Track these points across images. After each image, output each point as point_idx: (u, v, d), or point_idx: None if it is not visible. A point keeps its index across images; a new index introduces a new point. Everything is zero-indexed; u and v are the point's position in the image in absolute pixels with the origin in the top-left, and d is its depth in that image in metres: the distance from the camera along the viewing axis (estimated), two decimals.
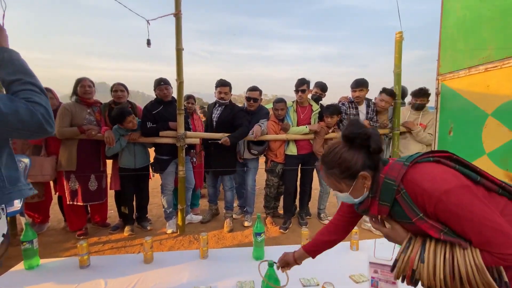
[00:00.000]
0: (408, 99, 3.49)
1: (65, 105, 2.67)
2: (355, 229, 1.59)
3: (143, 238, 1.80)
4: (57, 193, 2.91)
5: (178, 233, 2.89)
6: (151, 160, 3.03)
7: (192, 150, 3.22)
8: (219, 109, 2.99)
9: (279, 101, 3.03)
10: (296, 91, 2.97)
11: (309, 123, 3.01)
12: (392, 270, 0.94)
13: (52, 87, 2.88)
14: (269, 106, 3.68)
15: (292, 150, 3.02)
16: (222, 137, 2.78)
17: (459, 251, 0.80)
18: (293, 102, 3.10)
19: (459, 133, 2.33)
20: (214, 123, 2.98)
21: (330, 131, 2.98)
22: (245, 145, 3.05)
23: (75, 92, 2.73)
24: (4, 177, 0.92)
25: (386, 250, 1.05)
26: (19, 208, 2.42)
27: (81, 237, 2.71)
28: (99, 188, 2.81)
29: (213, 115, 3.01)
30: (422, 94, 3.00)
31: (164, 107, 2.87)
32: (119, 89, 2.85)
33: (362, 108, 3.03)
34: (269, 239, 2.77)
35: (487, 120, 2.01)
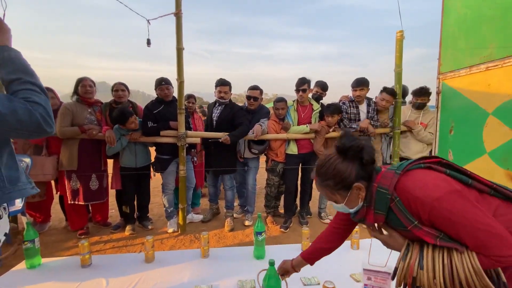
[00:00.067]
0: (409, 98, 3.49)
1: (66, 104, 2.68)
2: (356, 228, 1.59)
3: (144, 237, 1.81)
4: (58, 193, 2.92)
5: (179, 232, 2.90)
6: (152, 159, 3.04)
7: (192, 150, 3.22)
8: (219, 108, 2.99)
9: (280, 100, 3.03)
10: (297, 90, 2.97)
11: (310, 123, 3.01)
12: (393, 279, 0.94)
13: (52, 86, 2.89)
14: (270, 105, 3.68)
15: (293, 149, 3.02)
16: (223, 136, 2.78)
17: (457, 256, 0.81)
18: (293, 101, 3.10)
19: (460, 132, 2.32)
20: (214, 123, 2.98)
21: (331, 130, 2.98)
22: (245, 145, 3.06)
23: (76, 91, 2.74)
24: (4, 176, 0.92)
25: (385, 250, 1.05)
26: (20, 207, 2.43)
27: (83, 237, 2.72)
28: (100, 188, 2.82)
29: (213, 114, 3.01)
30: (423, 93, 2.99)
31: (165, 106, 2.87)
32: (120, 88, 2.85)
33: (363, 107, 3.02)
34: (269, 238, 2.77)
35: (488, 119, 2.00)
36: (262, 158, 3.34)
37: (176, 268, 1.71)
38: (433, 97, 2.91)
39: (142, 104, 3.16)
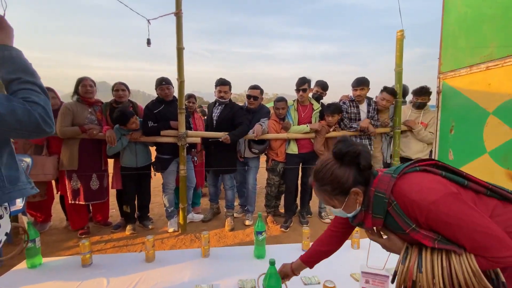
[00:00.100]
0: (409, 97, 3.49)
1: (67, 104, 2.68)
2: (356, 227, 1.59)
3: (144, 237, 1.81)
4: (59, 192, 2.92)
5: (180, 232, 2.90)
6: (153, 159, 3.04)
7: (193, 149, 3.22)
8: (219, 108, 3.00)
9: (280, 100, 3.03)
10: (297, 90, 2.97)
11: (310, 122, 3.01)
12: (392, 282, 0.94)
13: (53, 86, 2.90)
14: (270, 105, 3.68)
15: (293, 149, 3.02)
16: (223, 135, 2.78)
17: (455, 258, 0.81)
18: (294, 101, 3.10)
19: (460, 131, 2.32)
20: (214, 122, 2.98)
21: (331, 130, 2.98)
22: (246, 144, 3.06)
23: (76, 91, 2.74)
24: (4, 176, 0.91)
25: (384, 251, 1.05)
26: (21, 207, 2.44)
27: (83, 236, 2.72)
28: (100, 187, 2.82)
29: (213, 114, 3.01)
30: (423, 92, 2.99)
31: (166, 106, 2.87)
32: (120, 88, 2.85)
33: (363, 107, 3.02)
34: (270, 238, 2.78)
35: (488, 118, 2.00)
36: (263, 158, 3.35)
37: (176, 267, 1.71)
38: (433, 97, 2.91)
39: (142, 104, 3.16)
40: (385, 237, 1.01)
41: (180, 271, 1.67)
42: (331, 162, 0.93)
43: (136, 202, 3.02)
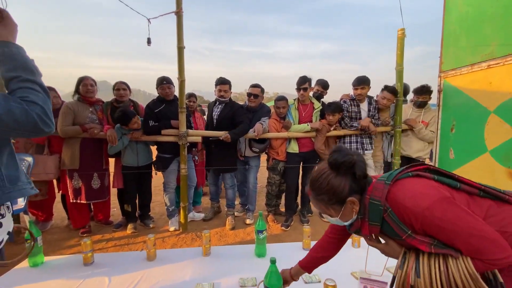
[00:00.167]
0: (410, 96, 3.48)
1: (68, 104, 2.68)
2: None
3: (146, 236, 1.82)
4: (60, 191, 2.93)
5: (181, 230, 2.91)
6: (154, 158, 3.04)
7: (194, 149, 3.23)
8: (219, 107, 3.00)
9: (281, 99, 3.03)
10: (298, 89, 2.97)
11: (311, 121, 3.01)
12: (391, 287, 0.95)
13: (53, 86, 2.90)
14: (271, 104, 3.68)
15: (294, 148, 3.02)
16: (224, 134, 2.79)
17: (452, 262, 0.81)
18: (294, 100, 3.10)
19: (461, 130, 2.32)
20: (215, 121, 2.98)
21: (332, 129, 2.98)
22: (246, 143, 3.06)
23: (77, 91, 2.75)
24: (4, 176, 0.91)
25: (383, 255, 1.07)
26: (22, 206, 2.44)
27: (85, 235, 2.74)
28: (102, 186, 2.83)
29: (214, 113, 3.01)
30: (424, 91, 2.99)
31: (166, 105, 2.87)
32: (121, 87, 2.85)
33: (364, 106, 3.02)
34: (271, 237, 2.78)
35: (489, 117, 2.00)
36: (263, 157, 3.35)
37: (178, 266, 1.71)
38: (434, 95, 2.91)
39: (143, 103, 3.17)
40: (383, 242, 1.02)
41: (181, 269, 1.67)
42: (327, 172, 0.94)
43: (137, 201, 3.03)
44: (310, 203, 3.40)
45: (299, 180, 3.22)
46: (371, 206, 0.91)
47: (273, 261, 1.29)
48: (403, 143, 3.11)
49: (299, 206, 3.41)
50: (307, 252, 1.34)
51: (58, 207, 3.25)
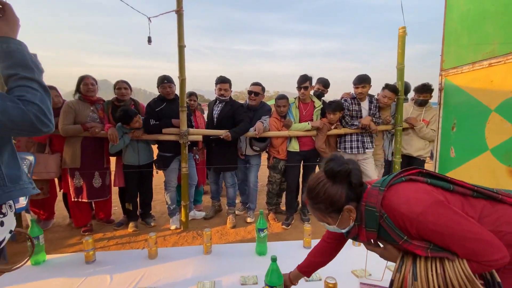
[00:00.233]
0: (411, 95, 3.47)
1: (69, 102, 2.69)
2: None
3: (147, 234, 1.82)
4: (62, 190, 2.94)
5: (182, 229, 2.92)
6: (155, 157, 3.05)
7: (194, 147, 3.23)
8: (220, 106, 3.00)
9: (281, 97, 3.03)
10: (299, 88, 2.97)
11: (312, 120, 3.01)
12: None
13: (54, 84, 2.90)
14: (271, 103, 3.68)
15: (294, 146, 3.02)
16: (224, 133, 2.79)
17: (449, 265, 0.82)
18: (295, 98, 3.10)
19: (462, 129, 2.32)
20: (215, 120, 2.98)
21: (333, 127, 2.98)
22: (247, 142, 3.06)
23: (78, 90, 2.75)
24: (5, 175, 0.90)
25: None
26: (24, 205, 2.46)
27: (86, 233, 2.75)
28: (103, 185, 2.84)
29: (214, 112, 3.01)
30: (425, 89, 2.98)
31: (167, 104, 2.88)
32: (122, 86, 2.85)
33: (365, 104, 3.02)
34: (271, 235, 2.79)
35: (490, 115, 2.00)
36: (264, 156, 3.35)
37: (179, 264, 1.72)
38: (435, 94, 2.91)
39: (143, 102, 3.17)
40: (382, 246, 1.03)
41: (183, 267, 1.68)
42: (323, 181, 0.95)
43: (138, 199, 3.04)
44: None
45: (299, 179, 3.22)
46: (367, 212, 0.92)
47: (274, 259, 1.29)
48: (404, 142, 3.11)
49: (300, 205, 3.42)
50: (308, 250, 1.34)
51: (59, 206, 3.26)
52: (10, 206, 0.99)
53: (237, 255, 1.84)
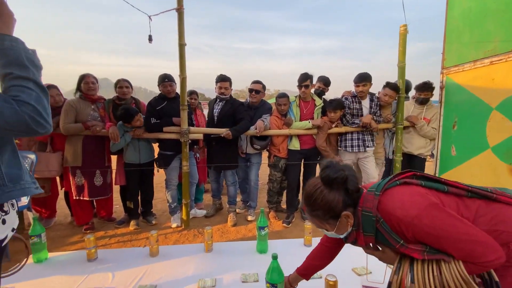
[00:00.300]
0: (412, 93, 3.46)
1: (70, 101, 2.69)
2: None
3: (148, 232, 1.83)
4: (63, 188, 2.95)
5: (183, 227, 2.93)
6: (156, 155, 3.06)
7: (195, 146, 3.24)
8: (220, 104, 3.00)
9: (282, 96, 3.03)
10: (299, 86, 2.96)
11: (312, 118, 3.01)
12: None
13: (54, 83, 2.90)
14: (272, 101, 3.68)
15: (295, 145, 3.02)
16: (225, 131, 2.79)
17: (445, 266, 0.83)
18: (296, 97, 3.10)
19: (463, 127, 2.32)
20: (215, 119, 2.99)
21: (333, 126, 2.98)
22: (247, 140, 3.06)
23: (78, 88, 2.75)
24: (4, 175, 0.88)
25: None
26: (26, 203, 2.47)
27: (88, 231, 2.76)
28: (104, 183, 2.85)
29: (214, 110, 3.01)
30: (426, 88, 2.97)
31: (168, 103, 2.88)
32: (124, 85, 2.85)
33: (366, 103, 3.01)
34: (272, 233, 2.80)
35: (491, 113, 1.99)
36: (265, 154, 3.36)
37: (180, 262, 1.73)
38: (436, 92, 2.90)
39: (144, 100, 3.17)
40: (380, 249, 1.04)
41: (184, 265, 1.69)
42: (320, 188, 0.96)
43: (139, 198, 3.05)
44: None
45: (300, 177, 3.22)
46: (364, 217, 0.93)
47: (275, 257, 1.30)
48: (405, 140, 3.10)
49: (300, 203, 3.42)
50: (308, 248, 1.35)
51: (61, 204, 3.28)
52: (13, 205, 0.99)
53: (238, 253, 1.84)
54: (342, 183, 0.93)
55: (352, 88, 3.11)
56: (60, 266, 1.70)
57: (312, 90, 3.12)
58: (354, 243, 1.05)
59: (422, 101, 3.04)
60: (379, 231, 0.93)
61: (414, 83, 3.30)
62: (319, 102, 3.05)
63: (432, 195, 0.89)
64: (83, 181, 2.73)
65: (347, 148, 2.98)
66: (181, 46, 2.62)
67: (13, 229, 1.00)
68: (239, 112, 2.93)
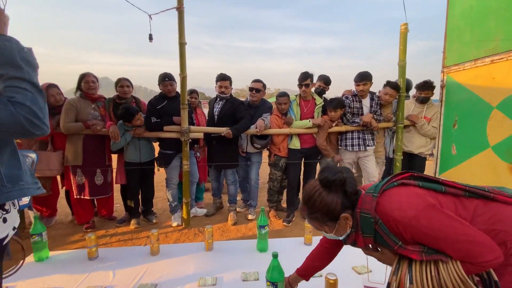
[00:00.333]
0: (413, 92, 3.46)
1: (70, 100, 2.69)
2: None
3: (149, 231, 1.84)
4: (64, 187, 2.96)
5: (183, 226, 2.93)
6: (156, 154, 3.06)
7: (195, 145, 3.24)
8: (220, 103, 3.00)
9: (282, 95, 3.03)
10: (300, 85, 2.96)
11: (313, 117, 3.01)
12: None
13: (54, 82, 2.90)
14: (272, 100, 3.68)
15: (296, 144, 3.02)
16: (225, 130, 2.79)
17: (443, 267, 0.83)
18: (296, 96, 3.10)
19: (463, 126, 2.31)
20: (216, 118, 2.99)
21: (334, 125, 2.98)
22: (248, 139, 3.07)
23: (79, 87, 2.75)
24: (3, 175, 0.88)
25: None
26: (27, 202, 2.47)
27: (89, 230, 2.76)
28: (105, 182, 2.85)
29: (214, 109, 3.01)
30: (426, 87, 2.97)
31: (168, 102, 2.88)
32: (125, 84, 2.85)
33: (366, 102, 3.01)
34: (272, 232, 2.80)
35: (492, 112, 1.99)
36: (265, 153, 3.36)
37: (181, 260, 1.74)
38: (437, 91, 2.89)
39: (143, 99, 3.17)
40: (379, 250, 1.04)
41: (185, 264, 1.70)
42: (319, 190, 0.96)
43: (140, 197, 3.06)
44: None
45: (300, 176, 3.22)
46: (362, 219, 0.94)
47: (275, 256, 1.30)
48: (405, 139, 3.10)
49: (300, 204, 3.42)
50: (309, 247, 1.36)
51: (62, 203, 3.28)
52: (14, 203, 1.00)
53: (238, 251, 1.85)
54: (341, 185, 0.94)
55: (352, 87, 3.11)
56: (61, 265, 1.71)
57: (313, 89, 3.12)
58: (354, 244, 1.05)
59: (423, 100, 3.03)
60: (377, 233, 0.93)
61: (414, 82, 3.30)
62: (319, 101, 3.05)
63: (429, 195, 0.89)
64: (84, 180, 2.74)
65: (348, 147, 2.98)
66: (181, 45, 2.62)
67: (14, 228, 1.00)
68: (239, 111, 2.93)
